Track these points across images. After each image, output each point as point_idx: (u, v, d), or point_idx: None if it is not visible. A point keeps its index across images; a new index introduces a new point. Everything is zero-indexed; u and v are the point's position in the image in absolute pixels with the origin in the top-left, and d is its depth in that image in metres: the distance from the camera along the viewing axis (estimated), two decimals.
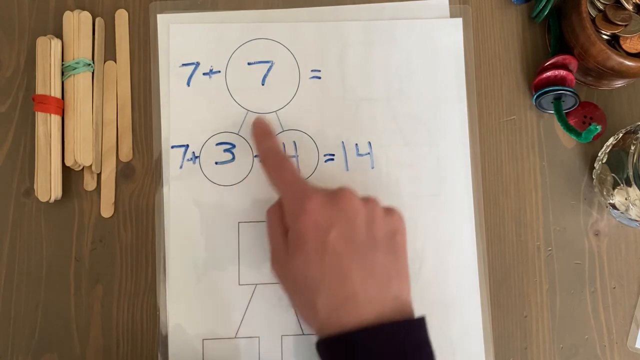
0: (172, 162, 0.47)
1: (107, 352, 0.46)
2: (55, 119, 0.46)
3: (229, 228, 0.47)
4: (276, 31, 0.49)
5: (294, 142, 0.48)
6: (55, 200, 0.46)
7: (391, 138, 0.48)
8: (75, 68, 0.47)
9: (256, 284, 0.46)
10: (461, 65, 0.49)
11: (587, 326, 0.47)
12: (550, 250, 0.48)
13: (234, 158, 0.48)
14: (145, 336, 0.46)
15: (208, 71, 0.48)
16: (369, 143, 0.48)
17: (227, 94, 0.48)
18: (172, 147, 0.47)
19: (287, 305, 0.46)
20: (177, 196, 0.47)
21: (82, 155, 0.46)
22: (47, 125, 0.46)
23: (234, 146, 0.48)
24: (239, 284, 0.46)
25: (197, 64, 0.48)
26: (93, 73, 0.48)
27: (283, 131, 0.48)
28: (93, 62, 0.48)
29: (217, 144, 0.48)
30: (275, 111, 0.48)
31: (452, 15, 0.49)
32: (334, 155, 0.48)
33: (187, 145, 0.47)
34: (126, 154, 0.48)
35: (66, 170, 0.47)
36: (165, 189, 0.47)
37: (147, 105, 0.48)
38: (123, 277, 0.47)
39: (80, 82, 0.47)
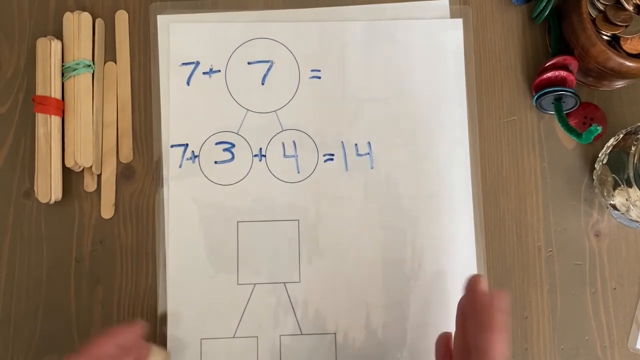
0: (171, 161, 0.47)
1: None
2: (56, 120, 0.46)
3: (228, 227, 0.47)
4: (276, 31, 0.49)
5: (294, 142, 0.48)
6: (55, 202, 0.46)
7: (391, 138, 0.48)
8: (76, 69, 0.47)
9: (255, 284, 0.46)
10: (461, 66, 0.49)
11: (588, 327, 0.47)
12: (550, 251, 0.48)
13: (233, 157, 0.47)
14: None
15: (208, 70, 0.48)
16: (369, 143, 0.48)
17: (227, 94, 0.48)
18: (172, 146, 0.47)
19: (286, 305, 0.46)
20: (177, 195, 0.47)
21: (82, 156, 0.46)
22: (47, 126, 0.46)
23: (233, 145, 0.48)
24: (238, 284, 0.46)
25: (197, 63, 0.48)
26: (93, 74, 0.48)
27: (283, 131, 0.48)
28: (93, 63, 0.48)
29: (217, 143, 0.48)
30: (275, 111, 0.48)
31: (453, 16, 0.49)
32: (333, 155, 0.48)
33: (187, 145, 0.47)
34: (126, 155, 0.48)
35: (66, 172, 0.47)
36: (164, 188, 0.47)
37: (147, 105, 0.48)
38: (123, 278, 0.47)
39: (81, 83, 0.47)
